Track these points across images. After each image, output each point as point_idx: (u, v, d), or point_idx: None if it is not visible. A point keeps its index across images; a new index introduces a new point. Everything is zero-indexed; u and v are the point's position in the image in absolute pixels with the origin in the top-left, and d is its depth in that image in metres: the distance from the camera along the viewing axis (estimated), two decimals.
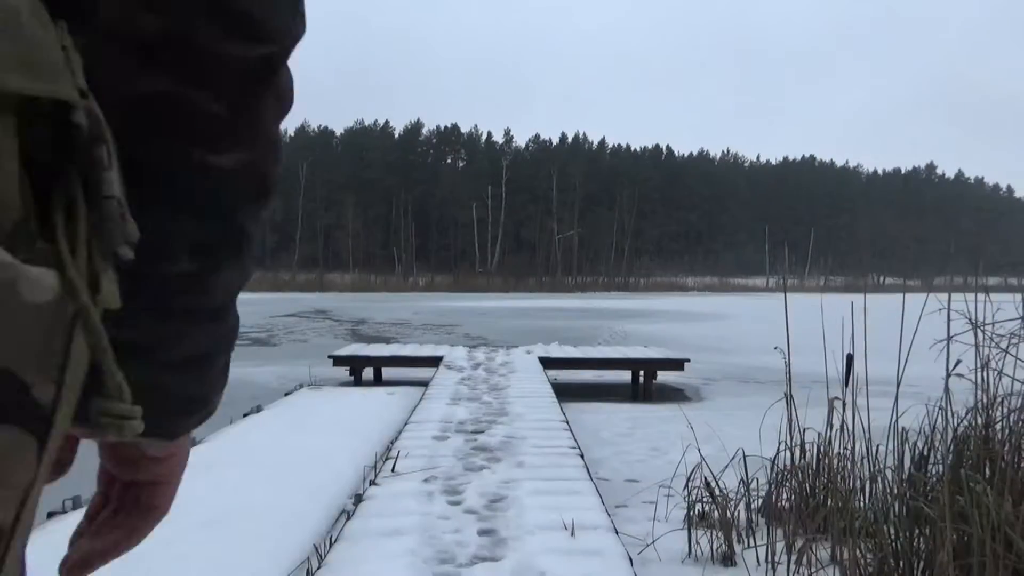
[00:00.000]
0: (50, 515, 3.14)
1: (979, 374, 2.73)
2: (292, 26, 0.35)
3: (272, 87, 0.36)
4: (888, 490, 2.72)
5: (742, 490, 3.22)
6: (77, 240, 0.26)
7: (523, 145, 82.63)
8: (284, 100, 0.37)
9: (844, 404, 2.99)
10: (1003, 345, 2.70)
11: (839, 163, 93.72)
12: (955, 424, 2.77)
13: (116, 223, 0.27)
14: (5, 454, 0.24)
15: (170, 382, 0.39)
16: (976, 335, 2.70)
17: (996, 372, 2.73)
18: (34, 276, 0.24)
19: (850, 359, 3.13)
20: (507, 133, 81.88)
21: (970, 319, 2.70)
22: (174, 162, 0.34)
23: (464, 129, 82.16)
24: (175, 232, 0.35)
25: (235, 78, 0.34)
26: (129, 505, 0.42)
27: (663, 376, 9.22)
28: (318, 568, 2.60)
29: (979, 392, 2.75)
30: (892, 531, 2.49)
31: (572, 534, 2.85)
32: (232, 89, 0.34)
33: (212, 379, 0.41)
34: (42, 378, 0.25)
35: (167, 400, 0.39)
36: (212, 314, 0.39)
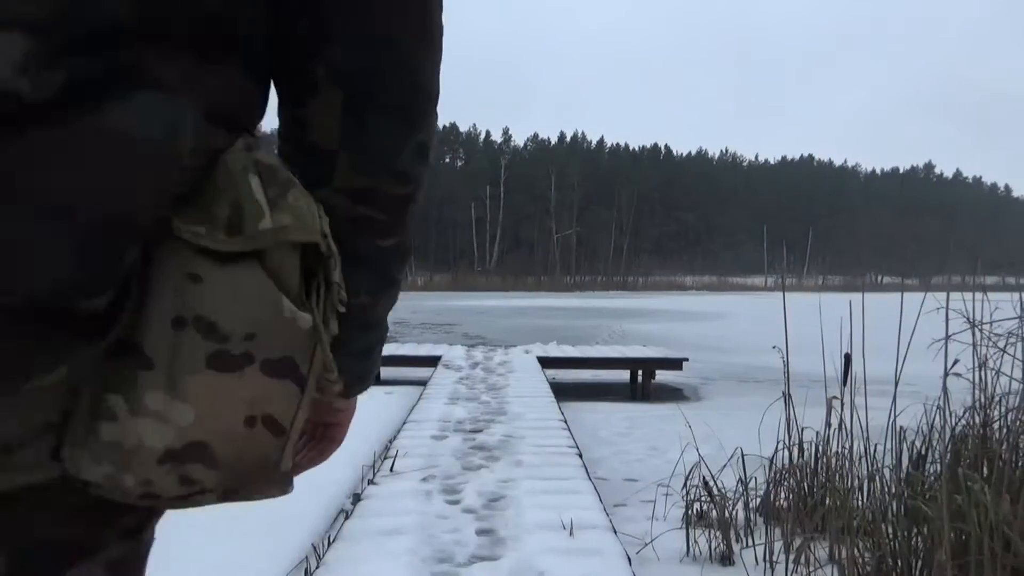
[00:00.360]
0: None
1: (977, 373, 2.73)
2: (426, 171, 0.66)
3: (414, 205, 0.67)
4: (886, 489, 2.72)
5: (740, 489, 3.22)
6: (320, 302, 0.56)
7: (522, 144, 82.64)
8: (419, 205, 0.68)
9: (842, 403, 2.99)
10: (1001, 344, 2.70)
11: (837, 162, 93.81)
12: (953, 423, 2.78)
13: (335, 295, 0.58)
14: (287, 395, 0.55)
15: (351, 364, 0.70)
16: (974, 334, 2.70)
17: (994, 371, 2.74)
18: (302, 316, 0.54)
19: (848, 358, 3.14)
20: (506, 132, 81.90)
21: (968, 318, 2.70)
22: (365, 246, 0.65)
23: (463, 128, 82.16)
24: (361, 281, 0.66)
25: (396, 204, 0.65)
26: (319, 436, 0.76)
27: (661, 375, 9.22)
28: (316, 568, 2.60)
29: (977, 391, 2.75)
30: (890, 530, 2.49)
31: (571, 533, 2.85)
32: (395, 209, 0.65)
33: (372, 363, 0.75)
34: (304, 363, 0.55)
35: (348, 375, 0.69)
36: (375, 325, 0.72)
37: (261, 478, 0.57)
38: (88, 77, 0.44)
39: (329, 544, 2.82)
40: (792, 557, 2.73)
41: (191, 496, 0.53)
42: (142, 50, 0.47)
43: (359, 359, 0.71)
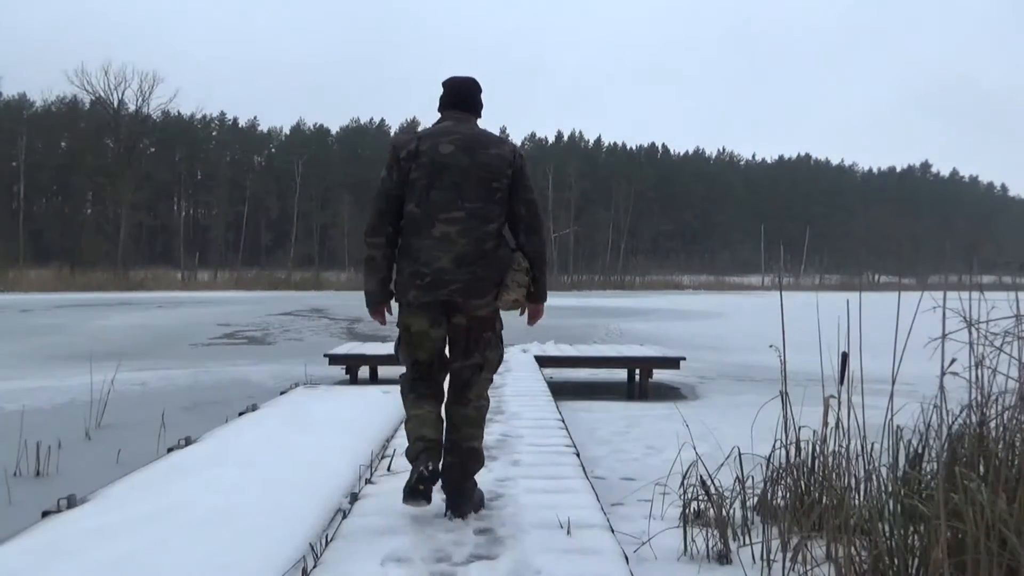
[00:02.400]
0: (45, 514, 3.13)
1: (973, 372, 2.73)
2: (546, 240, 3.22)
3: (545, 245, 3.23)
4: (883, 488, 2.73)
5: (738, 488, 3.23)
6: (529, 276, 3.15)
7: (519, 143, 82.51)
8: (548, 248, 3.78)
9: (839, 402, 2.99)
10: (997, 343, 2.71)
11: (835, 161, 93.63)
12: (949, 422, 2.78)
13: (527, 275, 3.14)
14: (524, 293, 3.17)
15: (539, 293, 3.18)
16: (970, 333, 2.70)
17: (990, 370, 2.74)
18: (527, 279, 3.13)
19: (845, 357, 3.14)
20: (503, 131, 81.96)
21: (965, 317, 2.70)
22: (533, 260, 3.15)
23: None
24: (535, 269, 3.17)
25: (540, 248, 3.18)
26: (533, 314, 3.24)
27: (659, 374, 9.24)
28: (314, 567, 2.59)
29: (973, 390, 2.76)
30: (887, 529, 2.50)
31: (568, 532, 2.85)
32: (540, 249, 3.18)
33: (545, 292, 3.20)
34: (526, 289, 3.18)
35: (538, 297, 3.19)
36: (542, 281, 3.19)
37: (522, 301, 3.14)
38: (494, 245, 3.05)
39: (327, 543, 2.82)
40: (789, 556, 2.73)
41: (516, 308, 3.16)
42: (498, 239, 3.08)
43: (541, 292, 3.16)
